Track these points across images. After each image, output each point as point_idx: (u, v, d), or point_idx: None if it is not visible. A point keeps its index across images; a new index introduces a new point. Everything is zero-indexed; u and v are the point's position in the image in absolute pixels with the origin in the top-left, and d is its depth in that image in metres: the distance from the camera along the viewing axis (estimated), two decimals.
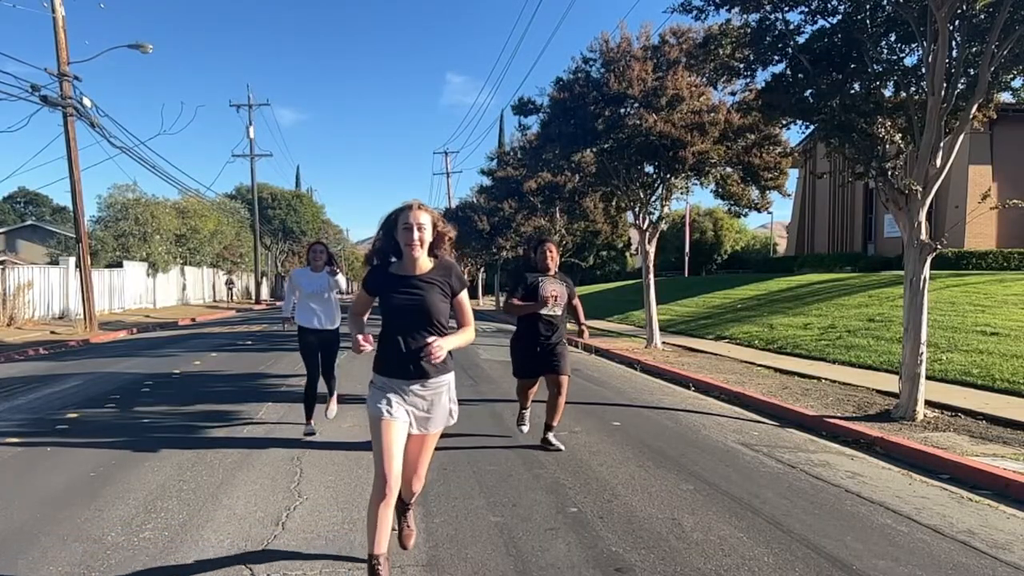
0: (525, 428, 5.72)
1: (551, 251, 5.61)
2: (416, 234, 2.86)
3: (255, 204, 40.52)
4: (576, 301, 5.73)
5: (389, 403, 2.89)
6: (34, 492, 4.45)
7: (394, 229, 2.94)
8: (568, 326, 5.74)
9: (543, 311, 5.43)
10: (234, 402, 7.57)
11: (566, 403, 5.61)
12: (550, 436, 5.52)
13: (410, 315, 2.91)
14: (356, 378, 8.77)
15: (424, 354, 2.80)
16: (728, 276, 28.12)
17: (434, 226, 2.95)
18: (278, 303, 6.07)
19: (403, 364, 2.91)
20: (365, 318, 3.24)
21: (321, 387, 6.15)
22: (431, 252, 2.98)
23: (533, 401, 5.82)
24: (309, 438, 5.80)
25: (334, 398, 6.47)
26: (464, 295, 3.09)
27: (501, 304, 28.57)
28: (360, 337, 2.86)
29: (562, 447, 5.46)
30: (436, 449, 3.31)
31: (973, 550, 3.50)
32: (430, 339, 2.82)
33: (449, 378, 3.06)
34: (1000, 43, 5.87)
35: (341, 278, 6.21)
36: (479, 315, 19.22)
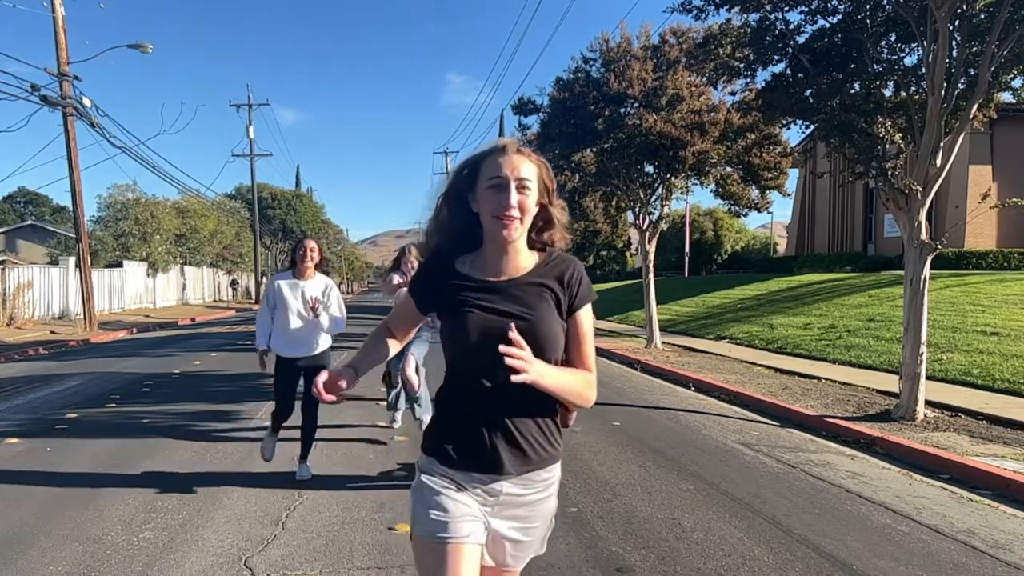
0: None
1: None
2: (514, 198, 1.54)
3: (255, 204, 40.50)
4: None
5: (454, 513, 1.57)
6: (34, 492, 4.45)
7: (472, 188, 1.61)
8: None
9: None
10: (234, 402, 7.57)
11: None
12: None
13: (500, 352, 1.44)
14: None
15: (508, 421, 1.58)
16: (728, 276, 28.06)
17: (542, 185, 1.62)
18: None
19: (484, 445, 1.58)
20: (394, 342, 1.83)
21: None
22: (533, 237, 1.67)
23: None
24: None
25: (307, 461, 4.71)
26: (587, 314, 1.67)
27: None
28: (339, 378, 1.63)
29: None
30: None
31: (973, 550, 3.50)
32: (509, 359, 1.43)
33: (557, 472, 1.72)
34: (1000, 43, 5.87)
35: (324, 318, 4.58)
36: None
